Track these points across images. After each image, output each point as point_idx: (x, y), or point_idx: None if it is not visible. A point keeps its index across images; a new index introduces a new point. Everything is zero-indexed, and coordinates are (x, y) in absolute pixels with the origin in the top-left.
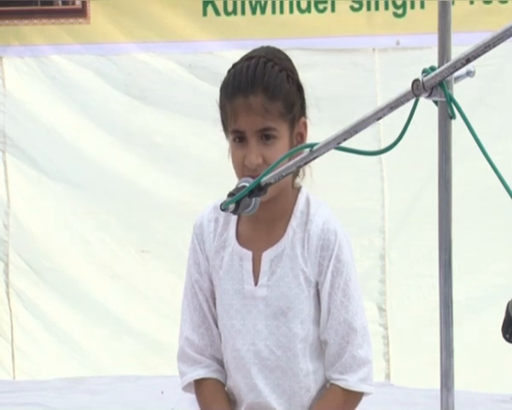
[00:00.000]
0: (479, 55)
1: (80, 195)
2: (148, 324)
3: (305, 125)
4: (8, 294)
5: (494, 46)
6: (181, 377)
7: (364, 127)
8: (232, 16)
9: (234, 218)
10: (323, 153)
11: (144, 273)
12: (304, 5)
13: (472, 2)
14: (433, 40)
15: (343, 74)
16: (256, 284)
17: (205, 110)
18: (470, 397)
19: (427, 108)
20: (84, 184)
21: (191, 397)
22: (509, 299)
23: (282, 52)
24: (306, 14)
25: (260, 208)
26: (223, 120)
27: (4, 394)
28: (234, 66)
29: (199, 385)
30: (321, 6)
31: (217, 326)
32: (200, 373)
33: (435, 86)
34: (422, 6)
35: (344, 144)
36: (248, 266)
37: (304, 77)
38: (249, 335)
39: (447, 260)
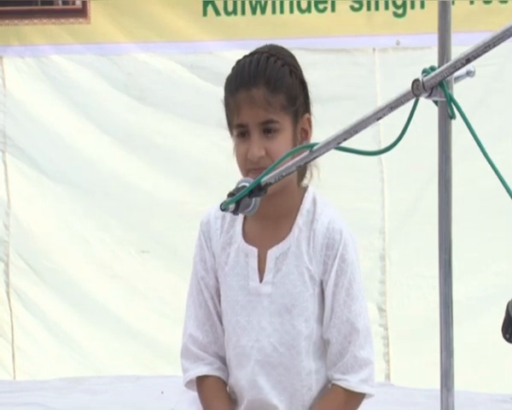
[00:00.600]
0: (479, 55)
1: (80, 195)
2: (148, 324)
3: (309, 121)
4: (8, 294)
5: (494, 46)
6: (183, 373)
7: (364, 127)
8: (232, 16)
9: (240, 215)
10: (323, 153)
11: (144, 273)
12: (304, 5)
13: (472, 2)
14: (434, 40)
15: (343, 74)
16: (261, 280)
17: (205, 110)
18: (470, 397)
19: (427, 108)
20: (84, 184)
21: (191, 397)
22: (509, 299)
23: (286, 49)
24: (306, 13)
25: (264, 205)
26: (227, 118)
27: (4, 394)
28: (237, 63)
29: (201, 382)
30: (321, 6)
31: (221, 324)
32: (202, 370)
33: (435, 86)
34: (422, 6)
35: (344, 144)
36: (254, 262)
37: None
38: (254, 331)
39: (447, 260)
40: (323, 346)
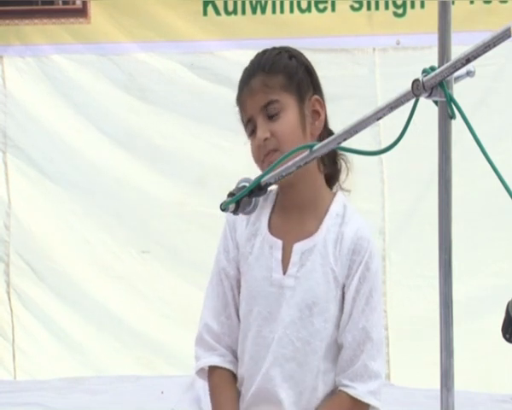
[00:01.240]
0: (479, 55)
1: (81, 195)
2: (149, 324)
3: (319, 102)
4: (8, 294)
5: (494, 46)
6: (196, 361)
7: (364, 127)
8: (232, 16)
9: (267, 209)
10: (323, 153)
11: (145, 274)
12: (304, 5)
13: (472, 2)
14: (434, 40)
15: (343, 74)
16: (284, 273)
17: (205, 110)
18: (470, 397)
19: (427, 108)
20: (85, 184)
21: (191, 397)
22: (509, 299)
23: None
24: (307, 13)
25: (287, 195)
26: (242, 122)
27: (4, 394)
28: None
29: (212, 372)
30: (321, 6)
31: (238, 316)
32: (214, 360)
33: (435, 86)
34: (423, 6)
35: (344, 144)
36: (278, 254)
37: None
38: (274, 322)
39: (447, 260)
40: (336, 350)
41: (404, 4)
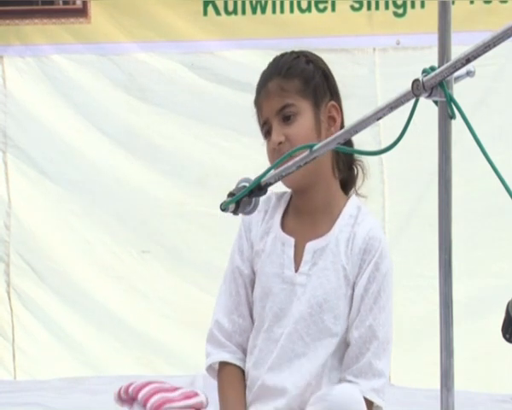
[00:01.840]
0: (479, 55)
1: (81, 195)
2: (149, 324)
3: (335, 108)
4: (8, 294)
5: (494, 46)
6: (206, 357)
7: (364, 127)
8: (233, 16)
9: (281, 208)
10: (323, 153)
11: (145, 274)
12: (304, 5)
13: (472, 2)
14: (434, 40)
15: (343, 74)
16: (296, 270)
17: (206, 110)
18: (470, 397)
19: (427, 108)
20: (85, 184)
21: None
22: (509, 299)
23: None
24: (307, 13)
25: (300, 201)
26: (259, 125)
27: (4, 394)
28: None
29: (221, 368)
30: (321, 6)
31: (250, 315)
32: (224, 356)
33: (435, 86)
34: (423, 6)
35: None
36: (290, 252)
37: None
38: (285, 318)
39: (447, 261)
40: (345, 348)
41: (404, 4)
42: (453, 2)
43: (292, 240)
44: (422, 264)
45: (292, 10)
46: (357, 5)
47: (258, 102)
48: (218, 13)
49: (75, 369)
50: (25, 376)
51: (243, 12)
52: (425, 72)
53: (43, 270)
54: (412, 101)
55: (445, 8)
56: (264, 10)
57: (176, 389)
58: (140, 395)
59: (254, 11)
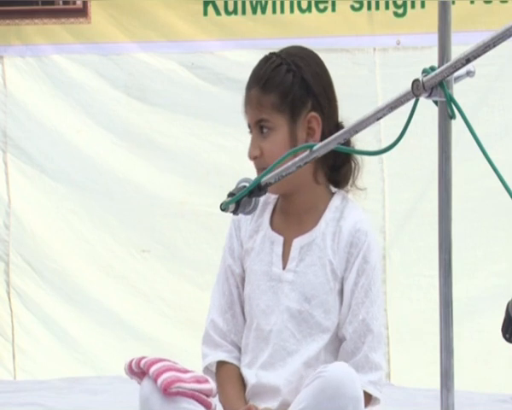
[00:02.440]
0: (479, 55)
1: (81, 194)
2: (149, 323)
3: (316, 120)
4: (8, 293)
5: (494, 46)
6: (202, 358)
7: (364, 127)
8: (233, 16)
9: (269, 207)
10: (323, 153)
11: (145, 273)
12: (304, 5)
13: (472, 2)
14: (434, 40)
15: (343, 74)
16: (284, 268)
17: (206, 110)
18: (470, 397)
19: (427, 108)
20: (85, 183)
21: None
22: (509, 299)
23: (307, 51)
24: (307, 13)
25: (285, 203)
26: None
27: (4, 394)
28: None
29: (218, 368)
30: (321, 6)
31: (243, 314)
32: (221, 356)
33: (435, 86)
34: (423, 6)
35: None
36: (278, 249)
37: None
38: (273, 316)
39: (447, 260)
40: (338, 342)
41: (404, 4)
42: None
43: (281, 238)
44: (422, 262)
45: (292, 10)
46: (357, 5)
47: (244, 104)
48: (218, 13)
49: (75, 369)
50: (25, 376)
51: (243, 12)
52: (425, 72)
53: (42, 269)
54: (412, 101)
55: (445, 8)
56: (264, 10)
57: (187, 371)
58: (152, 370)
59: (254, 11)
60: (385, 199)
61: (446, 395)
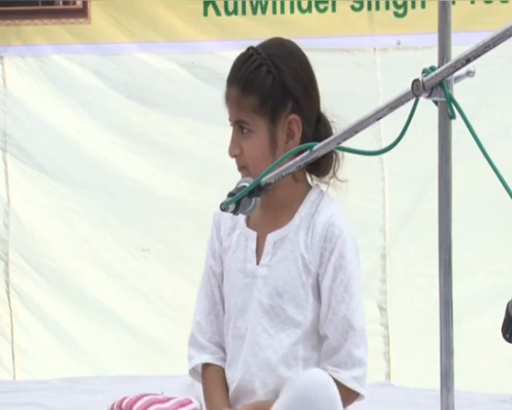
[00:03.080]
0: (479, 55)
1: (81, 194)
2: (149, 323)
3: (297, 122)
4: (8, 293)
5: (494, 46)
6: (188, 360)
7: (364, 127)
8: (233, 16)
9: None
10: (323, 153)
11: (144, 272)
12: (305, 5)
13: (473, 2)
14: (435, 40)
15: (344, 74)
16: (258, 263)
17: (205, 110)
18: (470, 397)
19: (427, 108)
20: (85, 183)
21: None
22: (509, 299)
23: (288, 47)
24: (307, 13)
25: (262, 197)
26: None
27: (4, 394)
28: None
29: (204, 370)
30: (322, 6)
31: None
32: (205, 358)
33: (435, 86)
34: (423, 6)
35: (344, 144)
36: (252, 245)
37: None
38: (248, 313)
39: (447, 260)
40: (317, 338)
41: (404, 4)
42: (453, 3)
43: (254, 234)
44: (422, 262)
45: (292, 10)
46: (357, 5)
47: (224, 97)
48: (218, 13)
49: (75, 369)
50: (24, 376)
51: (243, 12)
52: (425, 72)
53: (42, 269)
54: (412, 101)
55: (445, 8)
56: (264, 10)
57: (169, 399)
58: (134, 409)
59: (255, 11)
60: (385, 198)
61: (446, 395)
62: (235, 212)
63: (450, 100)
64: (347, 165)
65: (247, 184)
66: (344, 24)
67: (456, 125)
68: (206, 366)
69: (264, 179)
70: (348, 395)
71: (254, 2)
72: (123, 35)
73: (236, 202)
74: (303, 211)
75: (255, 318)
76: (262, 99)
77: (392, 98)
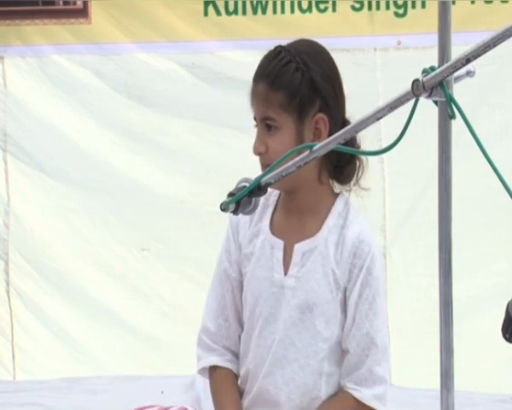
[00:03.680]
0: (479, 55)
1: (81, 193)
2: (149, 323)
3: (324, 121)
4: (8, 293)
5: (494, 46)
6: (197, 361)
7: (364, 127)
8: (233, 16)
9: (269, 209)
10: (323, 153)
11: (145, 272)
12: (305, 5)
13: (473, 2)
14: (435, 40)
15: (344, 74)
16: (285, 273)
17: (206, 110)
18: (470, 397)
19: (427, 108)
20: (85, 182)
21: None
22: (509, 299)
23: (316, 48)
24: (307, 13)
25: (287, 200)
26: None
27: (4, 394)
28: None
29: (212, 372)
30: (322, 6)
31: (236, 319)
32: (214, 360)
33: (435, 86)
34: (423, 6)
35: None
36: (279, 254)
37: None
38: (275, 324)
39: (447, 260)
40: (340, 352)
41: (405, 4)
42: (453, 3)
43: (281, 243)
44: (423, 262)
45: (292, 10)
46: (357, 5)
47: (250, 96)
48: (218, 13)
49: (75, 369)
50: (24, 375)
51: (244, 12)
52: (425, 72)
53: (42, 268)
54: (412, 101)
55: (445, 8)
56: (264, 10)
57: (168, 408)
58: None
59: (255, 11)
60: (385, 198)
61: (446, 395)
62: (235, 212)
63: (450, 100)
64: None
65: (247, 184)
66: (344, 24)
67: (456, 125)
68: (213, 368)
69: (264, 179)
70: None
71: (255, 3)
72: (123, 35)
73: (236, 202)
74: (330, 222)
75: (283, 330)
76: (290, 95)
77: (392, 98)
